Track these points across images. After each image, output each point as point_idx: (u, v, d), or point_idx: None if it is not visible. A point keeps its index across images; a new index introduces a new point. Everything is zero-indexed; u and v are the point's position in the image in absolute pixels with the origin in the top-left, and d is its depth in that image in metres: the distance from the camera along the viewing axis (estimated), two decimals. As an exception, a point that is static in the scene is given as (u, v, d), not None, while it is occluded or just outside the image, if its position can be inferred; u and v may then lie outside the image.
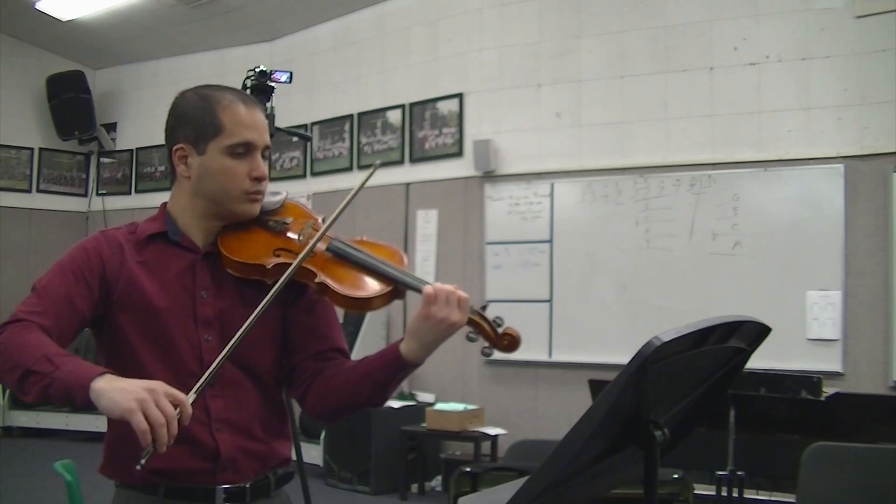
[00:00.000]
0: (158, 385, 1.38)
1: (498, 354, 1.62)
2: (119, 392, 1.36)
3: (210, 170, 1.64)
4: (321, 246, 1.64)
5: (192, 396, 1.43)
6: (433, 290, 1.54)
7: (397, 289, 1.60)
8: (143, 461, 1.36)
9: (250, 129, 1.64)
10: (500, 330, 1.58)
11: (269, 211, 1.73)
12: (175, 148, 1.66)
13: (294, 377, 1.71)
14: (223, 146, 1.62)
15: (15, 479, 6.03)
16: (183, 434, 1.53)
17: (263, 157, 1.68)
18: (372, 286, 1.60)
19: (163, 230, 1.68)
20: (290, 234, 1.68)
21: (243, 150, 1.63)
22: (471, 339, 1.60)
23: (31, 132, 8.82)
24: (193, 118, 1.64)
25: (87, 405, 1.42)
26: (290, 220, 1.71)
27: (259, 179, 1.65)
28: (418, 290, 1.56)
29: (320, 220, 1.73)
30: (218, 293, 1.66)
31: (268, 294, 1.54)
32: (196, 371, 1.59)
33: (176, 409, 1.37)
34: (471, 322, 1.57)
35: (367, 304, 1.61)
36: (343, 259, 1.63)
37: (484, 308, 1.60)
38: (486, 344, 1.59)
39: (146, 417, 1.33)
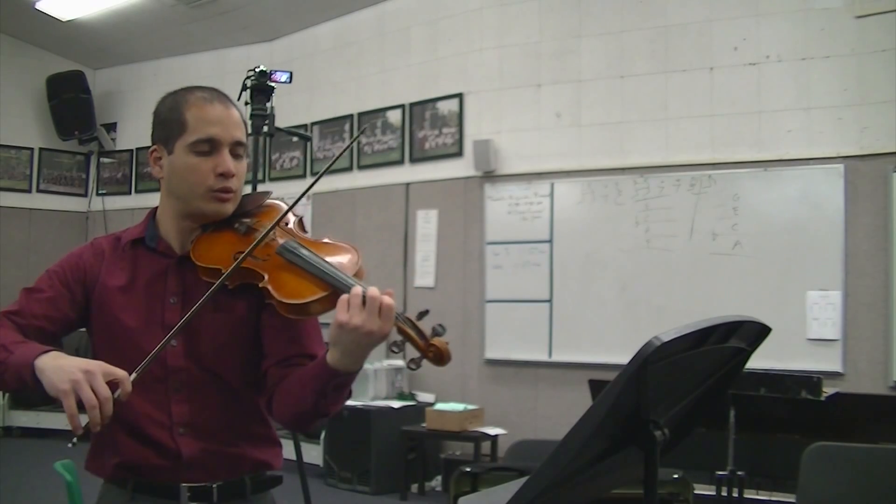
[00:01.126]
0: (97, 366, 1.42)
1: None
2: (56, 371, 1.41)
3: (177, 168, 1.64)
4: (276, 245, 1.59)
5: (133, 375, 1.45)
6: (345, 296, 1.44)
7: (336, 293, 1.48)
8: (74, 440, 1.41)
9: (215, 124, 1.63)
10: (432, 340, 1.44)
11: (246, 212, 1.70)
12: (150, 150, 1.70)
13: (263, 383, 1.66)
14: (187, 143, 1.62)
15: (15, 479, 6.03)
16: (145, 436, 1.58)
17: (237, 154, 1.66)
18: (308, 292, 1.51)
19: (142, 236, 1.71)
20: (253, 238, 1.62)
21: (208, 146, 1.62)
22: (393, 352, 1.50)
23: (31, 132, 8.82)
24: (164, 119, 1.66)
25: (36, 385, 1.46)
26: (258, 222, 1.67)
27: (224, 175, 1.63)
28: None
29: (293, 222, 1.70)
30: (188, 299, 1.63)
31: (237, 297, 1.55)
32: (159, 375, 1.62)
33: (116, 388, 1.40)
34: (399, 331, 1.45)
35: (303, 309, 1.52)
36: (290, 263, 1.57)
37: (420, 315, 1.47)
38: (416, 354, 1.45)
39: (80, 399, 1.37)
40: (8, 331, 1.58)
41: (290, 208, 1.64)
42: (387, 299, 1.42)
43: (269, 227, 1.57)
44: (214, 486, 1.64)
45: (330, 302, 1.50)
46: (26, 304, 1.64)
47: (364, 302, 1.41)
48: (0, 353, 1.53)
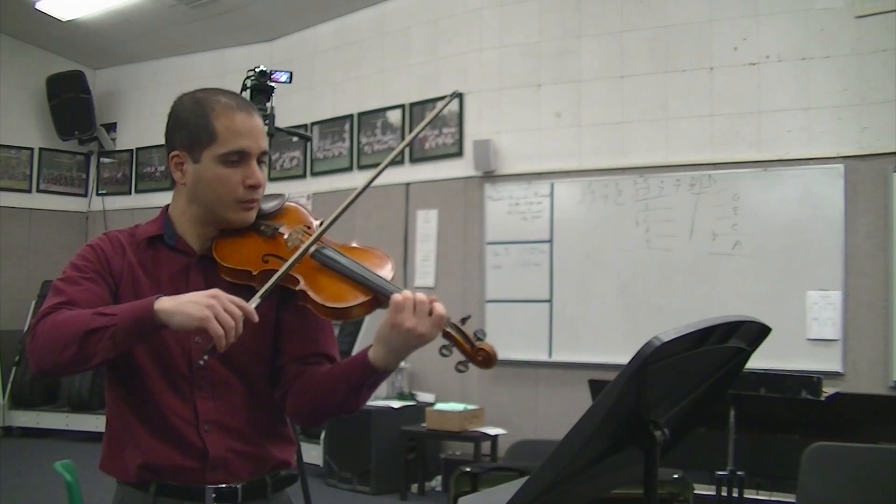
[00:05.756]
0: (219, 292, 1.47)
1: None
2: (189, 304, 1.44)
3: (204, 178, 1.64)
4: (310, 249, 1.62)
5: (254, 301, 1.50)
6: (402, 298, 1.49)
7: (377, 298, 1.56)
8: (206, 356, 1.47)
9: (244, 136, 1.63)
10: (477, 344, 1.52)
11: (266, 215, 1.72)
12: (171, 155, 1.67)
13: (278, 379, 1.70)
14: (217, 154, 1.62)
15: (15, 479, 6.03)
16: (171, 432, 1.57)
17: (261, 162, 1.67)
18: (350, 296, 1.57)
19: (160, 233, 1.70)
20: (281, 240, 1.67)
21: (237, 157, 1.63)
22: (443, 355, 1.53)
23: (31, 132, 8.82)
24: (188, 124, 1.64)
25: (156, 331, 1.48)
26: (282, 225, 1.70)
27: (253, 187, 1.65)
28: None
29: (315, 225, 1.71)
30: None
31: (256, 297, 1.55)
32: (185, 372, 1.62)
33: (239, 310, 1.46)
34: (446, 335, 1.52)
35: (344, 313, 1.57)
36: (327, 267, 1.61)
37: (464, 321, 1.55)
38: (462, 358, 1.53)
39: (219, 322, 1.42)
40: (82, 308, 1.52)
41: (342, 211, 1.62)
42: (438, 306, 1.50)
43: (314, 235, 1.61)
44: (239, 486, 1.64)
45: (370, 306, 1.57)
46: (72, 293, 1.57)
47: (415, 306, 1.48)
48: (100, 320, 1.47)
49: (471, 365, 1.53)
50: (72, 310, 1.53)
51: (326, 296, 1.56)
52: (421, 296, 1.50)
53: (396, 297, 1.49)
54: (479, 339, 1.53)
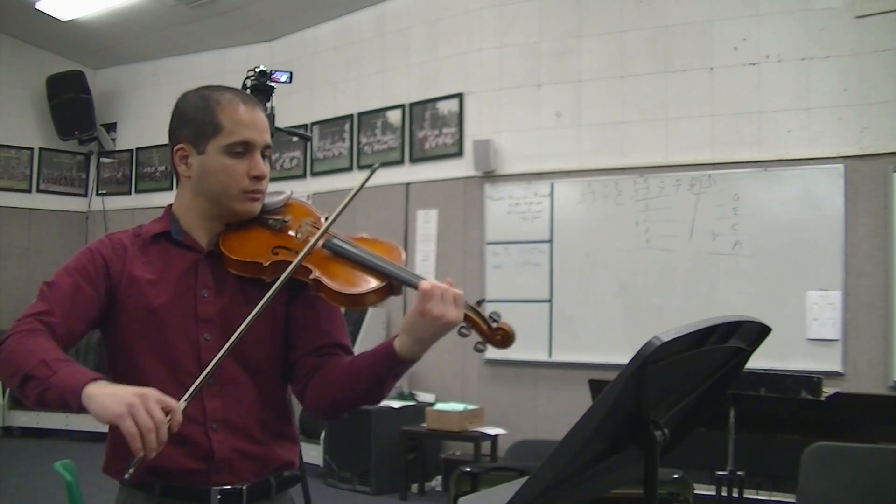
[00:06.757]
0: (150, 391, 1.40)
1: (497, 353, 1.59)
2: (109, 397, 1.38)
3: (209, 169, 1.65)
4: (319, 243, 1.63)
5: (183, 403, 1.44)
6: (430, 286, 1.51)
7: (391, 284, 1.59)
8: (131, 469, 1.38)
9: (249, 127, 1.65)
10: (494, 325, 1.54)
11: (272, 210, 1.74)
12: (176, 148, 1.68)
13: (294, 373, 1.70)
14: (222, 145, 1.64)
15: (15, 479, 6.03)
16: (177, 433, 1.53)
17: (264, 156, 1.69)
18: (366, 282, 1.59)
19: (166, 230, 1.70)
20: (289, 233, 1.69)
21: (242, 148, 1.64)
22: (463, 335, 1.56)
23: (31, 132, 8.83)
24: (193, 118, 1.66)
25: (80, 410, 1.43)
26: (289, 218, 1.72)
27: (258, 178, 1.66)
28: (414, 286, 1.54)
29: (322, 219, 1.73)
30: (219, 292, 1.66)
31: (267, 292, 1.54)
32: (194, 371, 1.59)
33: (167, 415, 1.39)
34: (464, 317, 1.54)
35: (360, 299, 1.60)
36: (339, 256, 1.63)
37: (479, 303, 1.57)
38: (480, 339, 1.55)
39: (135, 423, 1.35)
40: (45, 341, 1.51)
41: (338, 214, 1.63)
42: (457, 290, 1.52)
43: (325, 224, 1.63)
44: (244, 487, 1.64)
45: (385, 293, 1.60)
46: (54, 301, 1.57)
47: (442, 293, 1.50)
48: (41, 370, 1.45)
49: (488, 346, 1.55)
50: (48, 323, 1.54)
51: (341, 282, 1.58)
52: (443, 284, 1.52)
53: (425, 285, 1.51)
54: (494, 321, 1.54)
